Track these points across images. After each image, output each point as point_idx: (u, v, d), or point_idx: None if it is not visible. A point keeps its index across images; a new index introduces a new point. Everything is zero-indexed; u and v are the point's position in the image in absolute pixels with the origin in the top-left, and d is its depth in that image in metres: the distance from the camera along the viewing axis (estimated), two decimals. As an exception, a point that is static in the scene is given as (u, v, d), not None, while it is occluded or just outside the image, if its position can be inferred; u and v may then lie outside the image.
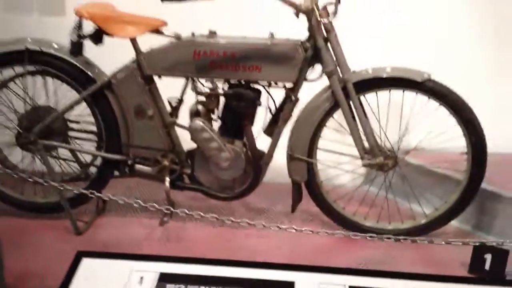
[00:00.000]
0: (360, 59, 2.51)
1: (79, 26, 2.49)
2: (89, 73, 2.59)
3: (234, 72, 2.46)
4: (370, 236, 2.22)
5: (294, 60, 2.43)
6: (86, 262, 1.78)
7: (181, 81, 2.57)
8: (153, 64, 2.52)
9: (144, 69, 2.53)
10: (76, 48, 2.51)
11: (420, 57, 2.79)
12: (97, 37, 2.53)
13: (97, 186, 2.69)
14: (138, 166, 2.69)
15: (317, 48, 2.41)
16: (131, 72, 2.55)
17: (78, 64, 2.58)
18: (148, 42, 2.54)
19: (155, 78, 2.58)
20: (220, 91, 2.51)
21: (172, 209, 2.38)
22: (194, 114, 2.55)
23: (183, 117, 2.62)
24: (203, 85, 2.55)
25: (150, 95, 2.57)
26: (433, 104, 2.47)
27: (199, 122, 2.52)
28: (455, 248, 2.32)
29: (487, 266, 2.35)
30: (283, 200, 2.92)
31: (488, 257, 2.37)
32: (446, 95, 2.44)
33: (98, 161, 2.74)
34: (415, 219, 2.66)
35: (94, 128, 2.72)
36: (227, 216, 2.28)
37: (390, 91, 2.50)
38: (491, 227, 2.73)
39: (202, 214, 2.22)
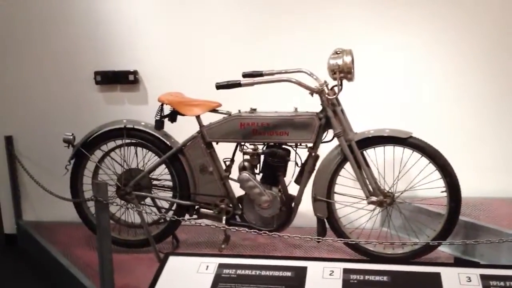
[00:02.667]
0: (360, 122, 3.45)
1: (161, 109, 3.56)
2: (167, 142, 3.63)
3: (269, 136, 3.44)
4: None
5: (312, 126, 3.38)
6: (171, 259, 2.71)
7: (231, 145, 3.57)
8: (212, 134, 3.53)
9: (205, 138, 3.54)
10: (159, 124, 3.57)
11: (407, 119, 3.72)
12: (173, 117, 3.59)
13: (173, 226, 3.67)
14: (202, 210, 3.65)
15: (328, 117, 3.37)
16: (196, 140, 3.57)
17: (159, 136, 3.64)
18: (208, 118, 3.58)
19: (214, 144, 3.59)
20: (260, 151, 3.48)
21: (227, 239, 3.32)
22: (242, 168, 3.51)
23: (234, 172, 3.61)
24: (247, 147, 3.53)
25: (210, 157, 3.57)
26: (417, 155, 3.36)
27: (245, 174, 3.47)
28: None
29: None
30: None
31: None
32: (425, 148, 3.31)
33: (173, 208, 3.74)
34: (413, 246, 3.46)
35: (170, 183, 3.73)
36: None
37: (384, 146, 3.40)
38: (474, 252, 3.48)
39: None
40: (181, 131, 3.64)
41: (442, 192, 3.35)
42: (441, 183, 3.32)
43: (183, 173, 3.62)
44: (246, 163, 3.52)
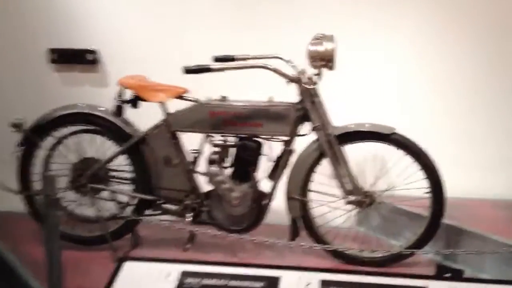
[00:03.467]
0: (340, 116, 3.17)
1: (121, 94, 3.21)
2: (127, 130, 3.29)
3: (241, 128, 3.13)
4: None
5: (288, 118, 3.09)
6: (127, 265, 2.39)
7: (199, 136, 3.25)
8: (178, 123, 3.21)
9: (171, 127, 3.22)
10: (118, 110, 3.23)
11: (392, 114, 3.46)
12: (134, 102, 3.26)
13: (132, 223, 3.34)
14: (165, 205, 3.34)
15: (306, 109, 3.08)
16: (160, 129, 3.24)
17: (118, 123, 3.29)
18: (174, 105, 3.25)
19: (180, 134, 3.27)
20: (231, 143, 3.17)
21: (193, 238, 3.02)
22: (210, 162, 3.21)
23: (202, 165, 3.29)
24: (216, 139, 3.22)
25: (175, 148, 3.25)
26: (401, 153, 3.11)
27: (214, 168, 3.17)
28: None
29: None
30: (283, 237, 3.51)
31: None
32: (409, 146, 3.06)
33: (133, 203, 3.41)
34: (392, 249, 3.22)
35: (130, 175, 3.40)
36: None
37: (364, 142, 3.13)
38: (456, 257, 3.26)
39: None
40: (143, 118, 3.31)
41: (426, 193, 3.12)
42: (423, 184, 3.09)
43: (145, 165, 3.29)
44: (215, 156, 3.21)
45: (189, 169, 3.26)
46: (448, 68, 3.75)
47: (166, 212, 3.35)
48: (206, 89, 3.20)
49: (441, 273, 2.90)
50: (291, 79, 3.03)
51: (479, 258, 3.15)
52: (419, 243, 3.16)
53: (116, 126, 3.29)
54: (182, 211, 3.28)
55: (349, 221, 3.36)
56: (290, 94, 3.12)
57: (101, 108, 3.33)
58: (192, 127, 3.20)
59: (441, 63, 3.75)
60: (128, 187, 3.42)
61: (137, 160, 3.30)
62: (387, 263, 3.19)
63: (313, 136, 3.16)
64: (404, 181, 3.16)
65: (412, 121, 3.52)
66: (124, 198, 3.46)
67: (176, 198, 3.29)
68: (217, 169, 3.18)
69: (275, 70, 3.00)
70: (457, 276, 2.86)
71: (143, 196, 3.31)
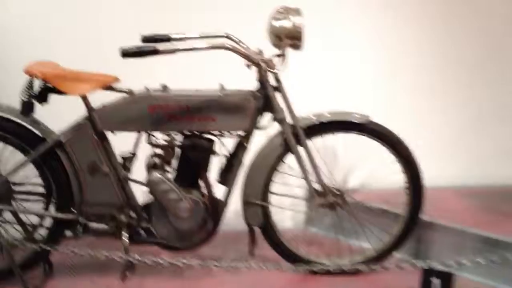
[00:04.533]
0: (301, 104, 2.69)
1: (30, 85, 2.45)
2: (38, 132, 2.54)
3: (189, 123, 2.54)
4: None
5: (246, 109, 2.55)
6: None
7: (131, 135, 2.60)
8: (107, 120, 2.53)
9: (97, 126, 2.53)
10: (28, 107, 2.47)
11: (356, 100, 3.04)
12: (44, 96, 2.52)
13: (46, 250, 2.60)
14: (92, 225, 2.65)
15: (268, 97, 2.56)
16: (83, 130, 2.54)
17: (25, 124, 2.53)
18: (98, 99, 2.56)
19: (108, 134, 2.59)
20: (177, 142, 2.56)
21: (133, 262, 2.38)
22: (151, 167, 2.57)
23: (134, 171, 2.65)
24: (157, 138, 2.59)
25: (104, 151, 2.56)
26: (373, 144, 2.70)
27: (157, 175, 2.54)
28: (403, 275, 2.50)
29: (435, 290, 2.57)
30: (234, 247, 2.98)
31: (436, 281, 2.58)
32: (385, 135, 2.67)
33: (47, 223, 2.67)
34: (364, 253, 2.83)
35: (40, 189, 2.66)
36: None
37: (334, 134, 2.69)
38: (428, 254, 2.96)
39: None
40: (54, 116, 2.57)
41: (403, 187, 2.76)
42: (400, 177, 2.73)
43: (63, 175, 2.57)
44: (156, 160, 2.58)
45: (121, 176, 2.59)
46: (407, 47, 3.42)
47: (93, 233, 2.65)
48: (132, 77, 2.56)
49: (428, 277, 2.58)
50: (255, 62, 2.48)
51: (457, 255, 2.87)
52: (395, 244, 2.80)
53: (22, 128, 2.53)
54: (115, 230, 2.61)
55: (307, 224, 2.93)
56: (240, 81, 2.58)
57: (-2, 105, 2.55)
58: (126, 125, 2.54)
59: (402, 44, 3.42)
60: (38, 205, 2.67)
61: (52, 170, 2.57)
62: (360, 270, 2.79)
63: (271, 130, 2.65)
64: (377, 175, 2.78)
65: (369, 107, 3.12)
66: (34, 219, 2.71)
67: (106, 214, 2.61)
68: (160, 175, 2.55)
69: (237, 51, 2.43)
70: (447, 279, 2.56)
71: (61, 215, 2.59)
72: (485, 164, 3.55)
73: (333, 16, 3.37)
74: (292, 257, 2.78)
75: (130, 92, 2.54)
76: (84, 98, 2.51)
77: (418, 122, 3.45)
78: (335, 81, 3.38)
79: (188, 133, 2.58)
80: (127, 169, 2.63)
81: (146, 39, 2.67)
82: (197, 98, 2.52)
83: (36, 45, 3.06)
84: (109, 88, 2.54)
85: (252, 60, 2.48)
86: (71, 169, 2.56)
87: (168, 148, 2.56)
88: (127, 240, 2.58)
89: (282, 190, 2.75)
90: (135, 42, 2.52)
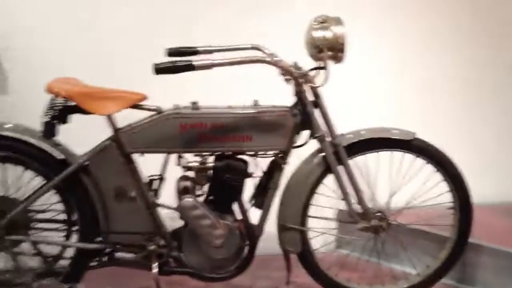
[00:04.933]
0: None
1: (53, 105, 2.27)
2: (60, 156, 2.35)
3: (224, 143, 2.35)
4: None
5: (284, 127, 2.37)
6: None
7: (157, 157, 2.41)
8: (135, 141, 2.34)
9: (124, 147, 2.34)
10: (50, 129, 2.28)
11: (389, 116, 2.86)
12: (64, 116, 2.33)
13: (71, 281, 2.40)
14: (118, 254, 2.45)
15: (306, 113, 2.38)
16: (109, 152, 2.35)
17: (47, 147, 2.34)
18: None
19: (134, 156, 2.40)
20: (210, 164, 2.37)
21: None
22: (183, 191, 2.38)
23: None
24: (188, 160, 2.40)
25: (131, 175, 2.37)
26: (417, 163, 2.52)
27: (189, 199, 2.35)
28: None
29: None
30: (265, 274, 2.78)
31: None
32: (433, 152, 2.50)
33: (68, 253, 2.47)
34: (408, 279, 2.63)
35: (61, 217, 2.46)
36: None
37: (378, 152, 2.51)
38: (475, 279, 2.77)
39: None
40: (74, 137, 2.39)
41: (449, 209, 2.57)
42: (447, 197, 2.55)
43: (88, 202, 2.38)
44: (188, 183, 2.39)
45: (150, 202, 2.40)
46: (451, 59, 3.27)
47: (119, 263, 2.46)
48: (159, 93, 2.38)
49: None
50: (294, 76, 2.31)
51: (505, 277, 2.69)
52: (443, 269, 2.61)
53: (41, 151, 2.34)
54: (144, 260, 2.42)
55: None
56: (273, 97, 2.40)
57: (11, 125, 2.36)
58: (155, 146, 2.35)
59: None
60: (60, 234, 2.48)
61: (75, 196, 2.38)
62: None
63: (310, 147, 2.47)
64: (421, 195, 2.60)
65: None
66: (54, 250, 2.50)
67: (134, 243, 2.41)
68: (192, 200, 2.36)
69: (277, 64, 2.26)
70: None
71: (86, 245, 2.39)
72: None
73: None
74: (331, 285, 2.59)
75: (158, 110, 2.36)
76: (109, 117, 2.33)
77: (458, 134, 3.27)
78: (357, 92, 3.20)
79: (220, 154, 2.40)
80: (155, 193, 2.44)
81: (171, 53, 2.50)
82: (231, 116, 2.34)
83: (55, 61, 2.88)
84: (137, 106, 2.36)
85: (291, 73, 2.30)
86: (96, 194, 2.37)
87: (202, 170, 2.37)
88: (157, 271, 2.38)
89: (317, 212, 2.58)
90: (157, 55, 2.37)
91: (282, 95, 2.42)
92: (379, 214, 2.51)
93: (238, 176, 2.37)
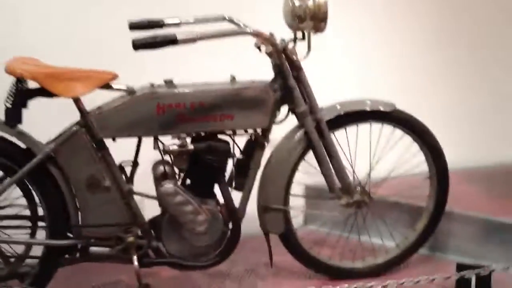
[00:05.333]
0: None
1: (17, 88, 2.02)
2: (23, 145, 2.11)
3: (204, 123, 2.21)
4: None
5: (266, 103, 2.26)
6: None
7: (129, 141, 2.23)
8: (107, 125, 2.14)
9: (95, 132, 2.14)
10: (13, 116, 2.03)
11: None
12: (25, 99, 2.09)
13: (40, 281, 2.19)
14: (93, 249, 2.25)
15: (288, 88, 2.28)
16: (78, 138, 2.13)
17: (8, 137, 2.09)
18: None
19: (106, 141, 2.20)
20: (191, 147, 2.22)
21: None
22: (161, 176, 2.22)
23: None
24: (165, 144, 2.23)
25: (104, 162, 2.18)
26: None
27: (171, 185, 2.19)
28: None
29: (473, 286, 2.39)
30: (238, 258, 2.66)
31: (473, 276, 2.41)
32: (412, 123, 2.47)
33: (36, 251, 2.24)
34: (388, 252, 2.62)
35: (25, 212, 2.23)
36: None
37: (358, 125, 2.45)
38: (447, 247, 2.80)
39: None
40: (35, 124, 2.15)
41: (426, 179, 2.57)
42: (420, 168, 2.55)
43: (56, 195, 2.16)
44: (168, 168, 2.22)
45: (125, 190, 2.22)
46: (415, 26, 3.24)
47: (94, 258, 2.26)
48: (124, 73, 2.19)
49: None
50: (278, 49, 2.19)
51: (479, 246, 2.73)
52: (421, 239, 2.61)
53: (4, 142, 2.09)
54: (122, 253, 2.23)
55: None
56: (247, 72, 2.28)
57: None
58: (130, 130, 2.17)
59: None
60: (23, 232, 2.24)
61: (42, 188, 2.15)
62: (386, 269, 2.58)
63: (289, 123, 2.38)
64: (400, 168, 2.59)
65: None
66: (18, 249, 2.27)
67: (110, 236, 2.22)
68: (173, 186, 2.20)
69: (262, 36, 2.13)
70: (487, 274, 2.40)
71: (55, 242, 2.18)
72: (486, 145, 3.42)
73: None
74: (314, 264, 2.53)
75: (131, 91, 2.17)
76: (77, 100, 2.12)
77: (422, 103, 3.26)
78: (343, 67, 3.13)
79: (197, 135, 2.25)
80: (130, 181, 2.26)
81: (134, 26, 2.31)
82: (211, 94, 2.20)
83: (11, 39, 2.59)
84: (107, 86, 2.15)
85: (275, 46, 2.18)
86: (65, 186, 2.15)
87: (182, 154, 2.21)
88: (137, 264, 2.21)
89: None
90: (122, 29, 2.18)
91: (257, 70, 2.30)
92: (361, 188, 2.46)
93: (220, 157, 2.24)
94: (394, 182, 2.62)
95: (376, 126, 2.48)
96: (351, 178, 2.46)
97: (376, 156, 2.52)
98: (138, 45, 1.93)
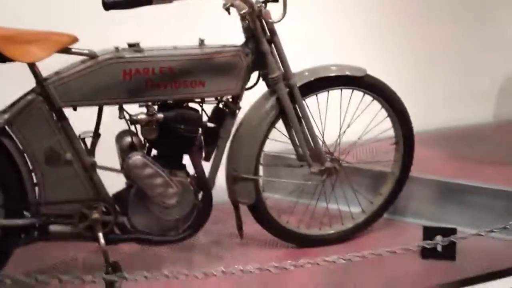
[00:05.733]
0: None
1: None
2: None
3: (173, 90, 2.05)
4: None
5: (238, 68, 2.13)
6: None
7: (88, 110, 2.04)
8: (67, 93, 1.94)
9: (55, 101, 1.94)
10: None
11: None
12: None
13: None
14: (53, 227, 2.07)
15: (261, 52, 2.16)
16: (35, 108, 1.93)
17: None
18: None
19: (66, 111, 2.00)
20: (160, 115, 2.06)
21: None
22: (129, 148, 2.05)
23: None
24: (127, 112, 2.05)
25: (65, 133, 1.98)
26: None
27: (139, 157, 2.04)
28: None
29: (439, 248, 2.44)
30: (208, 229, 2.56)
31: (439, 238, 2.45)
32: (381, 88, 2.43)
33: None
34: (354, 218, 2.60)
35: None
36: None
37: (328, 91, 2.38)
38: (406, 209, 2.82)
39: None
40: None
41: (392, 144, 2.56)
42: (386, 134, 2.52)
43: (11, 170, 1.95)
44: (135, 139, 2.06)
45: (88, 163, 2.04)
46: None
47: (54, 236, 2.07)
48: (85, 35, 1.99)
49: (430, 236, 2.45)
50: (255, 10, 2.05)
51: (437, 207, 2.77)
52: (386, 204, 2.61)
53: None
54: (87, 231, 2.07)
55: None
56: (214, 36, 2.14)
57: None
58: (93, 98, 1.98)
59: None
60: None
61: (-5, 164, 1.94)
62: (353, 233, 2.57)
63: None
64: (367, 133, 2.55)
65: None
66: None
67: (72, 213, 2.05)
68: (142, 158, 2.05)
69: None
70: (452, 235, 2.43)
71: (11, 222, 1.98)
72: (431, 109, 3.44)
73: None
74: (282, 233, 2.47)
75: (93, 55, 1.97)
76: (33, 66, 1.90)
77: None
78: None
79: (164, 103, 2.10)
80: (91, 154, 2.08)
81: None
82: (182, 58, 2.04)
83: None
84: (66, 50, 1.94)
85: (252, 6, 2.04)
86: (21, 160, 1.95)
87: (151, 123, 2.05)
88: (103, 241, 2.06)
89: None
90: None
91: (224, 33, 2.17)
92: (331, 155, 2.41)
93: (191, 126, 2.10)
94: (360, 148, 2.59)
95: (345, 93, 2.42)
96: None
97: (345, 123, 2.46)
98: (109, 4, 1.74)
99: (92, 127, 2.06)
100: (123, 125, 2.10)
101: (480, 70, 3.48)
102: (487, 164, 3.05)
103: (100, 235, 2.05)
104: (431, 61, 3.36)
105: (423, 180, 2.79)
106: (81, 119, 2.03)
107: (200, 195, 2.19)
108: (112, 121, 2.09)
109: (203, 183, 2.17)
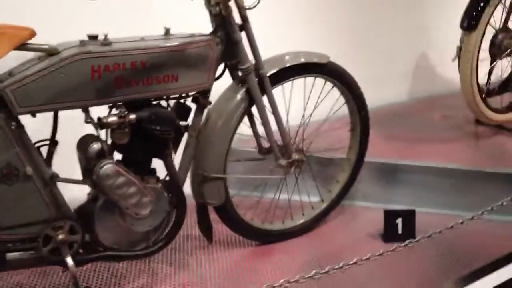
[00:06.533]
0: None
1: None
2: None
3: (146, 87, 1.82)
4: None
5: (209, 59, 1.94)
6: None
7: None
8: (27, 98, 1.63)
9: (12, 107, 1.62)
10: None
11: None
12: None
13: None
14: (12, 256, 1.75)
15: (232, 40, 1.98)
16: (-13, 116, 1.60)
17: None
18: None
19: (22, 118, 1.68)
20: (133, 116, 1.81)
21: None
22: (97, 155, 1.78)
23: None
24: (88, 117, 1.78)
25: (23, 145, 1.67)
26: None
27: (111, 165, 1.78)
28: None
29: (399, 230, 2.47)
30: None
31: (399, 221, 2.48)
32: (343, 75, 2.36)
33: None
34: (314, 208, 2.53)
35: None
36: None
37: (293, 80, 2.26)
38: (355, 193, 2.81)
39: None
40: None
41: (349, 130, 2.52)
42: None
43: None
44: (104, 145, 1.80)
45: (48, 177, 1.74)
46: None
47: (15, 266, 1.77)
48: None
49: (391, 219, 2.47)
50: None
51: (383, 189, 2.81)
52: (343, 191, 2.57)
53: None
54: (51, 254, 1.78)
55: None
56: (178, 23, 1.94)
57: None
58: (57, 101, 1.69)
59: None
60: None
61: None
62: (315, 223, 2.51)
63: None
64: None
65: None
66: None
67: (33, 236, 1.74)
68: (114, 165, 1.79)
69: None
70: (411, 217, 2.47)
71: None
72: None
73: None
74: (247, 231, 2.34)
75: (53, 51, 1.67)
76: (-19, 66, 1.57)
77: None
78: None
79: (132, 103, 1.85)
80: (49, 165, 1.78)
81: None
82: (153, 51, 1.81)
83: None
84: (24, 46, 1.62)
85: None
86: (-28, 180, 1.62)
87: (123, 125, 1.79)
88: (73, 264, 1.79)
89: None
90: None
91: (186, 21, 1.97)
92: (297, 147, 2.31)
93: (167, 127, 1.87)
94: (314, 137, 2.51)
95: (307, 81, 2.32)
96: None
97: (308, 112, 2.37)
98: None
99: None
100: (80, 129, 1.83)
101: (399, 52, 3.54)
102: (416, 141, 3.13)
103: (69, 258, 1.78)
104: (359, 44, 3.35)
105: (365, 163, 2.79)
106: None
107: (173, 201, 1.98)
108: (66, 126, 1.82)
109: (176, 188, 1.97)
